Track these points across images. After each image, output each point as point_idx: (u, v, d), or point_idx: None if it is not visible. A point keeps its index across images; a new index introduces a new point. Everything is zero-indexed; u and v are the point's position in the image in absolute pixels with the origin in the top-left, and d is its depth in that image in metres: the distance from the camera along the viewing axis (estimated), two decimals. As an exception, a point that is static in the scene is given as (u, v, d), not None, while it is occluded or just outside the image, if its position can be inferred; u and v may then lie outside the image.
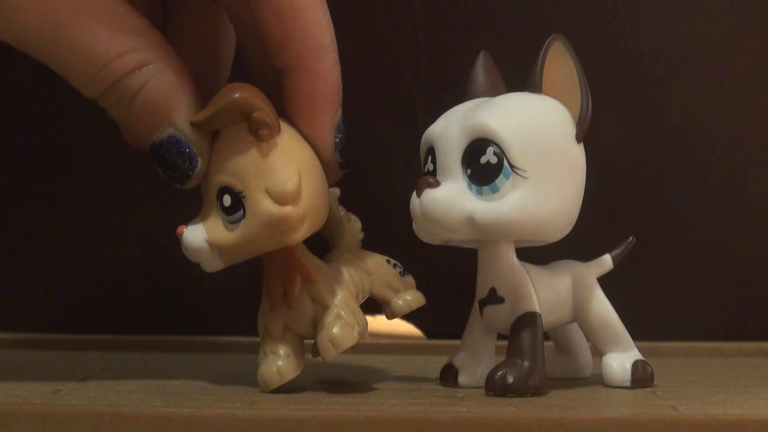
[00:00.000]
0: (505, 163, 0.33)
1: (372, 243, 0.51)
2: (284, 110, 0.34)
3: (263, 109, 0.32)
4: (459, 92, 0.36)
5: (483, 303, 0.35)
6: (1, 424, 0.29)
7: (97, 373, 0.38)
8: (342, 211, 0.38)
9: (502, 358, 0.34)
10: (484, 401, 0.33)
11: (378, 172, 0.51)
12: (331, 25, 0.34)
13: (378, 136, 0.51)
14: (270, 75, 0.34)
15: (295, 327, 0.34)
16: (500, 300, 0.35)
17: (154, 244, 0.51)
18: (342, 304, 0.34)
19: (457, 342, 0.37)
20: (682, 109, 0.51)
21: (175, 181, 0.33)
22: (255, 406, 0.31)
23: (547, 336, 0.36)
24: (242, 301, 0.51)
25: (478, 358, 0.36)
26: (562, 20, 0.50)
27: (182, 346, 0.46)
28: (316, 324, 0.34)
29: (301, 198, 0.32)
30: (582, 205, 0.35)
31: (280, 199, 0.32)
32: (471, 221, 0.33)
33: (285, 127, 0.33)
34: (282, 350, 0.34)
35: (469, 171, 0.33)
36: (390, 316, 0.37)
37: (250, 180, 0.32)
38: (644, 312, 0.49)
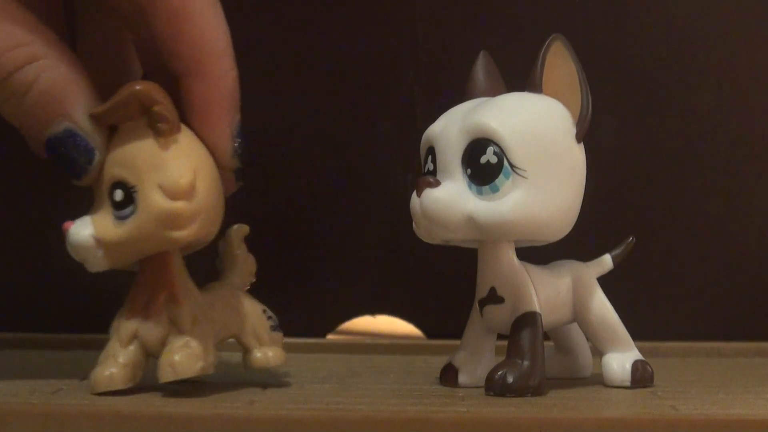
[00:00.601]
0: (505, 162, 0.33)
1: (372, 243, 0.51)
2: (183, 116, 0.33)
3: (163, 104, 0.32)
4: (459, 92, 0.36)
5: (483, 303, 0.35)
6: (1, 423, 0.29)
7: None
8: (242, 249, 0.37)
9: (502, 358, 0.34)
10: (484, 401, 0.33)
11: (378, 172, 0.51)
12: (227, 29, 0.34)
13: (378, 136, 0.51)
14: (167, 82, 0.33)
15: (145, 340, 0.33)
16: (500, 300, 0.35)
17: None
18: (197, 334, 0.33)
19: (457, 342, 0.37)
20: (682, 109, 0.51)
21: (73, 176, 0.33)
22: (254, 406, 0.31)
23: (546, 336, 0.36)
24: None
25: (477, 357, 0.36)
26: (562, 20, 0.50)
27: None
28: (165, 345, 0.33)
29: (194, 195, 0.32)
30: (582, 205, 0.35)
31: (173, 194, 0.31)
32: (471, 221, 0.33)
33: (185, 129, 0.33)
34: (122, 358, 0.33)
35: (469, 171, 0.33)
36: (244, 365, 0.36)
37: (144, 174, 0.32)
38: (644, 312, 0.49)
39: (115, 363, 0.33)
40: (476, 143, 0.33)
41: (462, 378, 0.36)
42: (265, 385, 0.35)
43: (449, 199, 0.33)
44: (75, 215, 0.51)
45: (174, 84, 0.34)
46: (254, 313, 0.36)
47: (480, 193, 0.33)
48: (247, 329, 0.36)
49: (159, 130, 0.32)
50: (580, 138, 0.34)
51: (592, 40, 0.50)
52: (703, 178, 0.51)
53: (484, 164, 0.33)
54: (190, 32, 0.33)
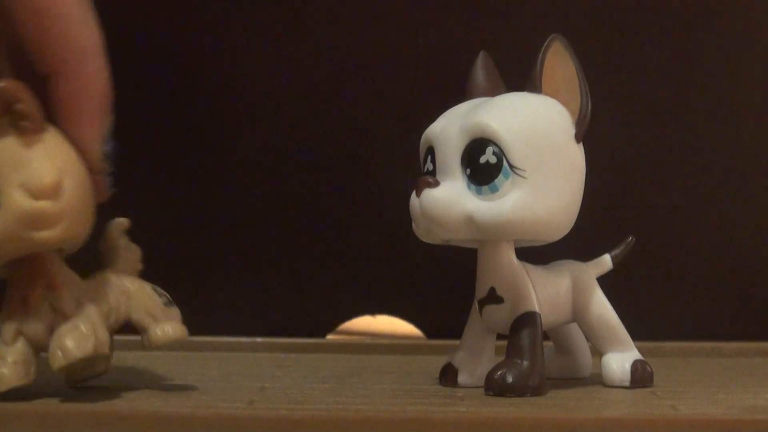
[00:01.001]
0: (505, 162, 0.33)
1: (372, 243, 0.51)
2: (52, 117, 0.32)
3: (26, 102, 0.31)
4: (459, 92, 0.36)
5: (482, 303, 0.35)
6: (1, 424, 0.29)
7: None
8: (123, 240, 0.36)
9: (501, 358, 0.34)
10: (484, 401, 0.33)
11: (378, 172, 0.51)
12: (97, 27, 0.33)
13: (378, 136, 0.51)
14: (37, 82, 0.32)
15: (31, 334, 0.32)
16: (500, 300, 0.35)
17: (153, 244, 0.51)
18: (84, 316, 0.32)
19: (457, 342, 0.37)
20: (683, 109, 0.51)
21: None
22: (253, 406, 0.31)
23: (546, 336, 0.36)
24: (241, 301, 0.51)
25: (477, 357, 0.36)
26: (562, 20, 0.50)
27: (181, 346, 0.46)
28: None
29: (60, 195, 0.31)
30: (582, 205, 0.35)
31: (36, 193, 0.30)
32: (471, 221, 0.33)
33: (53, 130, 0.32)
34: (10, 357, 0.32)
35: (468, 171, 0.33)
36: (146, 345, 0.35)
37: (6, 174, 0.31)
38: (644, 312, 0.49)
39: (4, 363, 0.32)
40: (476, 143, 0.33)
41: (462, 378, 0.36)
42: (264, 385, 0.35)
43: (449, 199, 0.33)
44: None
45: (43, 84, 0.33)
46: (143, 291, 0.35)
47: (479, 193, 0.33)
48: (138, 308, 0.35)
49: (22, 128, 0.31)
50: (579, 138, 0.34)
51: (593, 40, 0.50)
52: (703, 178, 0.51)
53: (484, 164, 0.33)
54: (56, 31, 0.32)
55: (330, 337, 0.51)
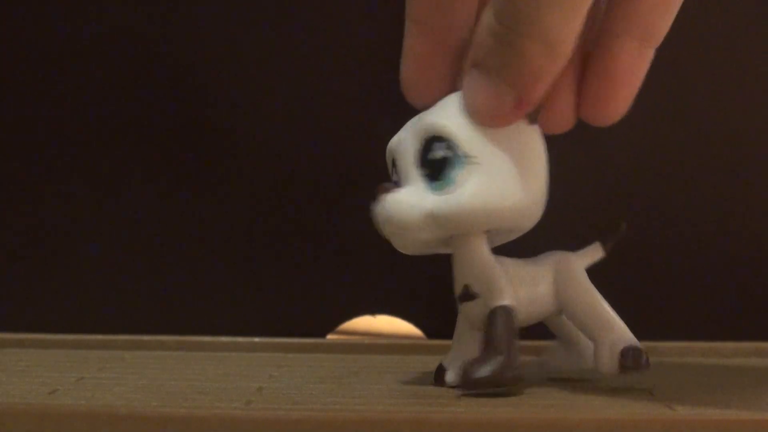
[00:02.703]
0: (456, 154, 0.33)
1: (372, 243, 0.51)
2: None
3: None
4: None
5: (460, 300, 0.35)
6: (-2, 423, 0.29)
7: (94, 373, 0.38)
8: None
9: None
10: (482, 402, 0.32)
11: (378, 172, 0.51)
12: None
13: (378, 136, 0.51)
14: None
15: None
16: (475, 296, 0.35)
17: (151, 243, 0.51)
18: None
19: (456, 342, 0.37)
20: (682, 108, 0.51)
21: None
22: (251, 406, 0.31)
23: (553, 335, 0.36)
24: (239, 300, 0.51)
25: (463, 356, 0.36)
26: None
27: (178, 346, 0.46)
28: None
29: None
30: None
31: None
32: (431, 217, 0.33)
33: None
34: None
35: (424, 171, 0.33)
36: None
37: None
38: (642, 312, 0.49)
39: None
40: (426, 143, 0.33)
41: (449, 377, 0.36)
42: (262, 385, 0.35)
43: (407, 200, 0.33)
44: (75, 214, 0.51)
45: None
46: None
47: (437, 189, 0.33)
48: None
49: None
50: (532, 119, 0.34)
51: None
52: (703, 178, 0.51)
53: (436, 160, 0.33)
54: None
55: (330, 337, 0.51)
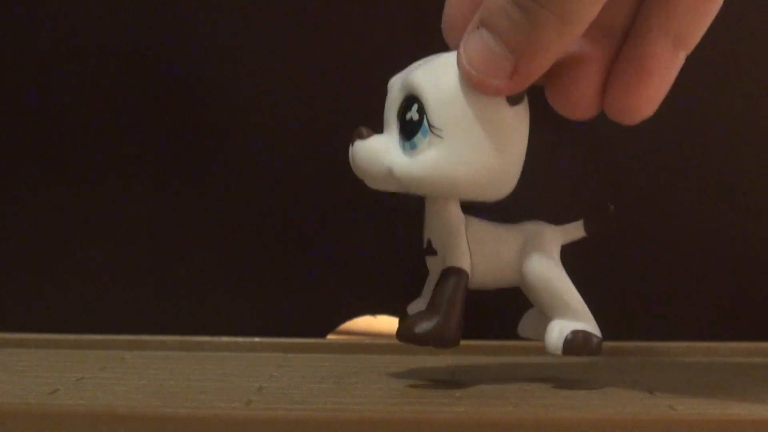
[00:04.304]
0: (425, 121, 0.33)
1: (372, 243, 0.51)
2: None
3: None
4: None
5: (423, 254, 0.35)
6: (-2, 423, 0.29)
7: (94, 373, 0.38)
8: None
9: None
10: (482, 401, 0.32)
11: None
12: None
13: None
14: None
15: None
16: (434, 252, 0.35)
17: (151, 243, 0.51)
18: None
19: (457, 342, 0.37)
20: (682, 107, 0.51)
21: None
22: (252, 406, 0.31)
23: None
24: (240, 300, 0.51)
25: (424, 307, 0.35)
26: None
27: (179, 346, 0.46)
28: None
29: None
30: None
31: None
32: (390, 174, 0.33)
33: None
34: None
35: (399, 126, 0.34)
36: None
37: None
38: (642, 312, 0.49)
39: None
40: (407, 100, 0.34)
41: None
42: (262, 385, 0.35)
43: (373, 151, 0.34)
44: (75, 214, 0.51)
45: None
46: None
47: (405, 148, 0.33)
48: None
49: None
50: (513, 101, 0.33)
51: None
52: (703, 177, 0.51)
53: (408, 121, 0.33)
54: None
55: (330, 337, 0.51)
